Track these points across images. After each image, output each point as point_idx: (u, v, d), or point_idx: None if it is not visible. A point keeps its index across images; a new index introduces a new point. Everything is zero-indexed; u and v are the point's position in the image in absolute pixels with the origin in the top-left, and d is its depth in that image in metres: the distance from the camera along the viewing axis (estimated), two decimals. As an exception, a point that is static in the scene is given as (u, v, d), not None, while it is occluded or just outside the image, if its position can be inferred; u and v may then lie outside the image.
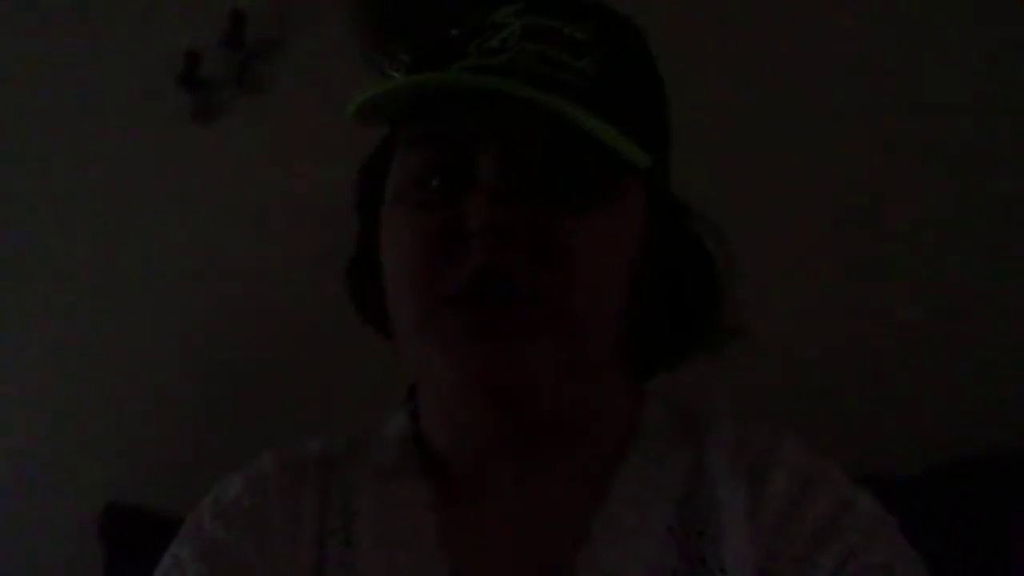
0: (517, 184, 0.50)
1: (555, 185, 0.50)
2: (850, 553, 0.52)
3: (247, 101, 1.71)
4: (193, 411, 1.70)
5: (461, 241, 0.49)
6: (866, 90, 1.44)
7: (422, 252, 0.51)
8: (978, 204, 1.39)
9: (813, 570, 0.52)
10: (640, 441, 0.59)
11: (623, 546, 0.55)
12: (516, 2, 0.54)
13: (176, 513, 0.65)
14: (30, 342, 1.78)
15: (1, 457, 1.76)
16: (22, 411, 1.76)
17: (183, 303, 1.71)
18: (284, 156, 1.65)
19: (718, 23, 1.48)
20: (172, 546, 0.61)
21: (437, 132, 0.52)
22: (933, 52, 1.43)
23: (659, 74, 0.59)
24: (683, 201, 0.60)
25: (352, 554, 0.57)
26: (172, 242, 1.73)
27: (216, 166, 1.71)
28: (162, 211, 1.74)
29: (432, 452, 0.60)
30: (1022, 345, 1.37)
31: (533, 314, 0.50)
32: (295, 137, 1.63)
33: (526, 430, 0.55)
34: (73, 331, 1.77)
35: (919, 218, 1.42)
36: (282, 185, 1.65)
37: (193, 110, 1.72)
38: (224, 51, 1.69)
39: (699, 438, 0.59)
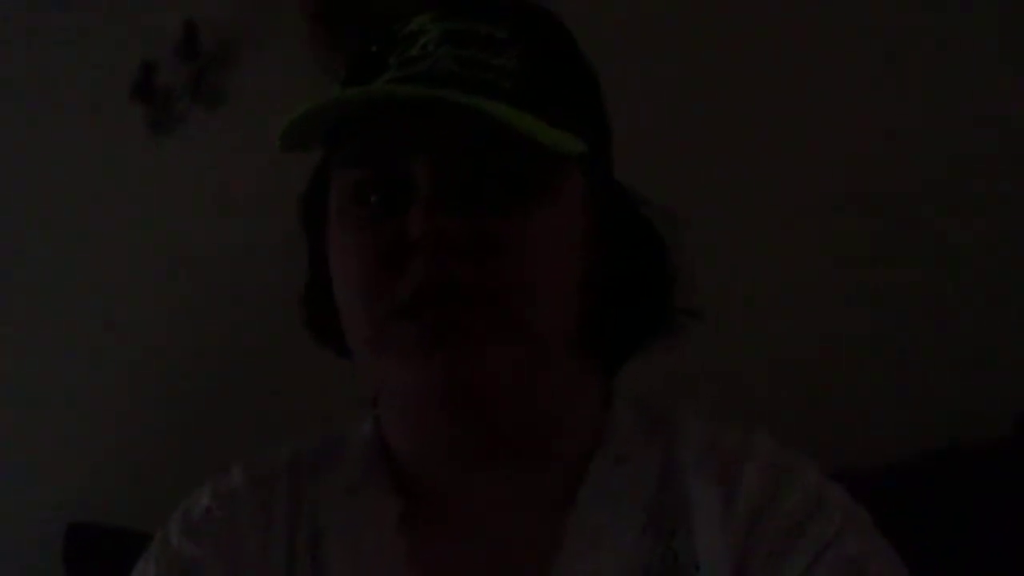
0: (453, 190, 0.50)
1: (490, 186, 0.51)
2: (823, 546, 0.53)
3: (203, 112, 1.70)
4: (159, 423, 1.68)
5: (405, 253, 0.50)
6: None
7: (368, 267, 0.51)
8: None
9: (787, 565, 0.53)
10: (608, 443, 0.59)
11: (597, 550, 0.55)
12: (432, 9, 0.54)
13: (142, 530, 0.64)
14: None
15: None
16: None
17: (141, 316, 1.69)
18: (240, 166, 1.63)
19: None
20: (139, 563, 0.60)
21: (368, 148, 0.52)
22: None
23: (587, 62, 0.59)
24: (627, 187, 0.60)
25: (322, 573, 0.57)
26: (128, 254, 1.71)
27: (174, 177, 1.70)
28: (119, 222, 1.72)
29: (398, 463, 0.60)
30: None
31: (483, 317, 0.50)
32: (251, 147, 1.62)
33: (489, 436, 0.55)
34: (32, 344, 1.74)
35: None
36: (239, 195, 1.64)
37: (150, 121, 1.70)
38: (179, 62, 1.68)
39: (667, 437, 0.60)
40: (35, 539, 1.59)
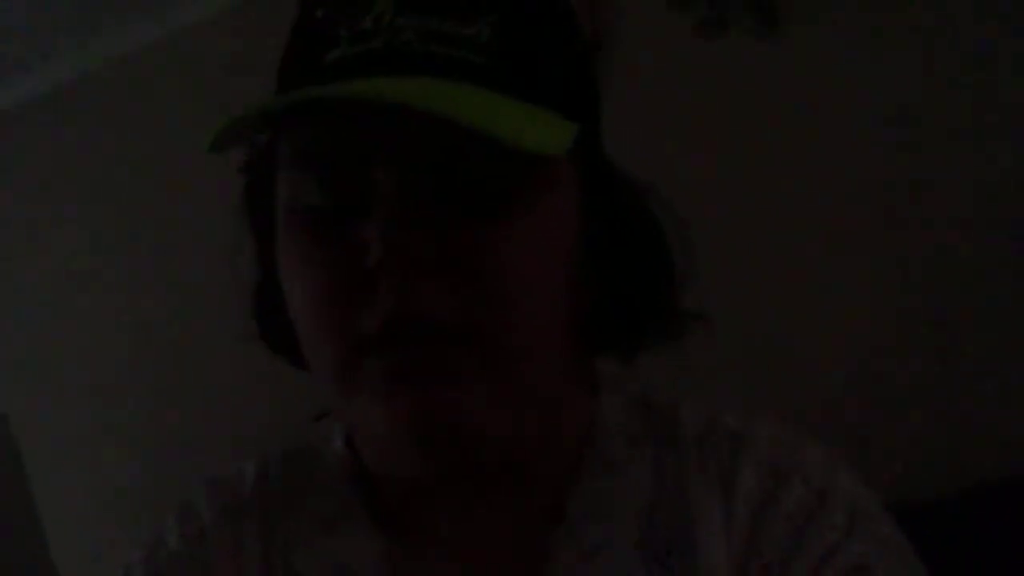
0: (420, 198, 0.42)
1: (465, 191, 0.43)
2: (826, 554, 0.48)
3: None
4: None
5: (367, 277, 0.42)
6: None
7: (326, 295, 0.44)
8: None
9: None
10: (598, 447, 0.53)
11: (588, 568, 0.50)
12: None
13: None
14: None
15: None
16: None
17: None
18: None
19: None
20: None
21: (320, 149, 0.44)
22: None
23: (575, 23, 0.50)
24: (622, 169, 0.51)
25: None
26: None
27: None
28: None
29: (373, 485, 0.54)
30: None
31: (460, 351, 0.43)
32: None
33: (469, 469, 0.48)
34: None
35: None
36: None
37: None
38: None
39: (661, 436, 0.54)
40: None
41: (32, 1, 1.80)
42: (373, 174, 0.42)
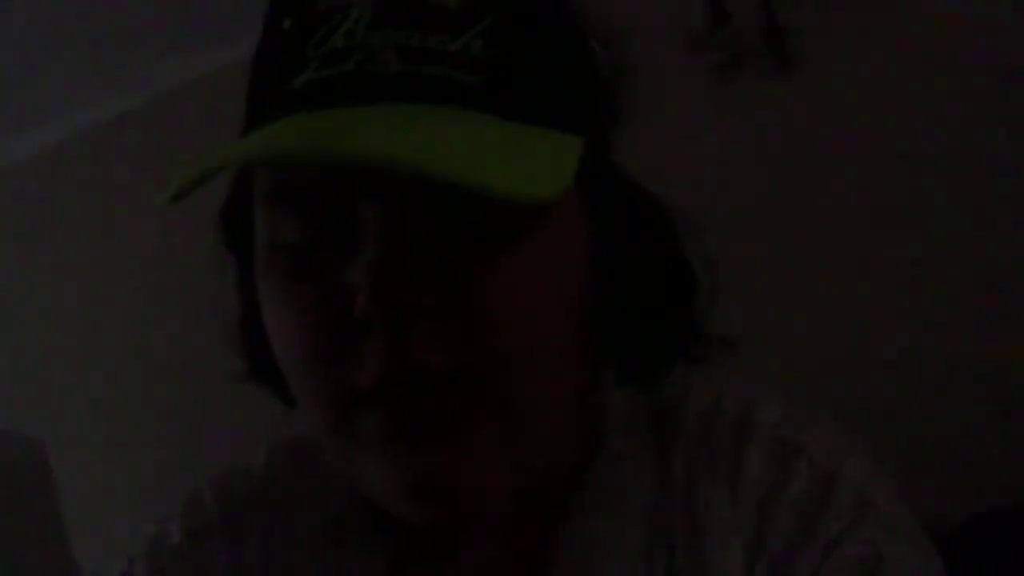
0: (408, 238, 0.38)
1: (457, 228, 0.39)
2: (831, 545, 0.45)
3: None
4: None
5: (356, 328, 0.38)
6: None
7: (312, 342, 0.40)
8: None
9: (793, 573, 0.45)
10: (603, 444, 0.50)
11: (591, 567, 0.48)
12: None
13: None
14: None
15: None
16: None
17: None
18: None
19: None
20: None
21: (297, 184, 0.40)
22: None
23: (576, 21, 0.45)
24: (632, 179, 0.47)
25: None
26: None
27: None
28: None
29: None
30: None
31: (460, 401, 0.39)
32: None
33: (471, 519, 0.46)
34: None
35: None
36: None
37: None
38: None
39: (665, 425, 0.51)
40: None
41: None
42: (357, 211, 0.38)
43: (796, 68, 1.60)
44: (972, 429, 1.47)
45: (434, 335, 0.38)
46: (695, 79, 1.64)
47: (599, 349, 0.47)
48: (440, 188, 0.36)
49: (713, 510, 0.47)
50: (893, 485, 0.48)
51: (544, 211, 0.40)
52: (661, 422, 0.51)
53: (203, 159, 0.37)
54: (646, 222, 0.47)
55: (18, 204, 2.34)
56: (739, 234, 1.53)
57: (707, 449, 0.49)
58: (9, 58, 1.88)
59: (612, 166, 0.47)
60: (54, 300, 2.31)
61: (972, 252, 1.52)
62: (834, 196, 1.59)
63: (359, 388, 0.39)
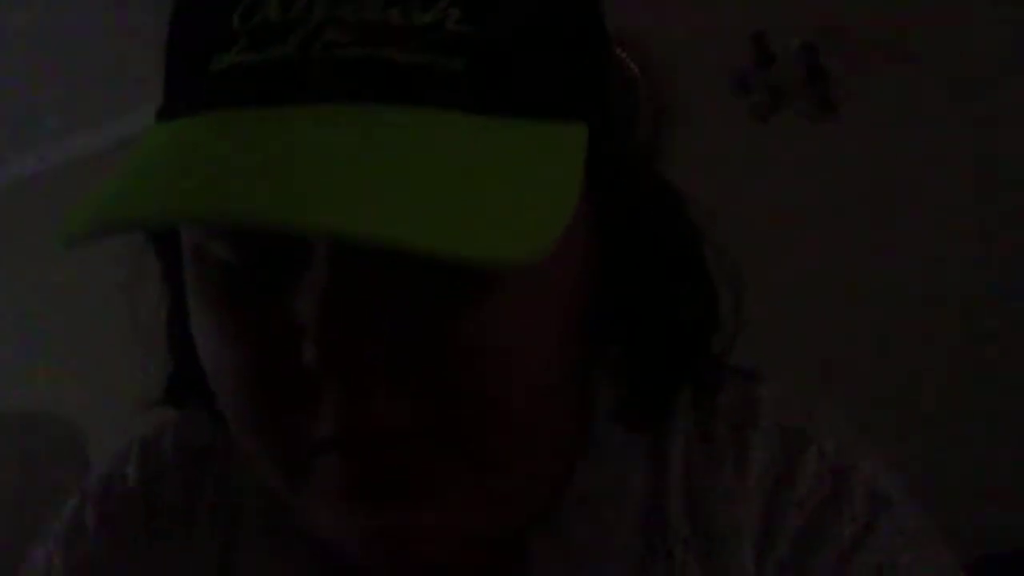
0: (364, 268, 0.30)
1: (422, 265, 0.29)
2: (847, 550, 0.41)
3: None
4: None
5: (305, 378, 0.31)
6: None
7: (255, 384, 0.33)
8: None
9: None
10: (590, 439, 0.44)
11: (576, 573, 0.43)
12: None
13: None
14: None
15: None
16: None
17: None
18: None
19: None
20: None
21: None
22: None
23: None
24: (655, 176, 0.40)
25: None
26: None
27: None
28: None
29: None
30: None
31: (428, 459, 0.33)
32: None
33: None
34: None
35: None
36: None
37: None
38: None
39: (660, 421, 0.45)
40: None
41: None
42: (305, 241, 0.31)
43: (837, 111, 1.62)
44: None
45: (397, 388, 0.32)
46: (737, 119, 1.66)
47: (596, 364, 0.42)
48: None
49: (719, 506, 0.42)
50: (903, 481, 0.44)
51: None
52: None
53: (89, 212, 0.28)
54: (661, 231, 0.39)
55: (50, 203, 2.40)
56: (776, 274, 1.55)
57: (706, 441, 0.44)
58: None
59: (625, 157, 0.38)
60: (98, 286, 2.35)
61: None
62: (872, 239, 1.60)
63: (313, 438, 0.33)
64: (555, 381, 0.36)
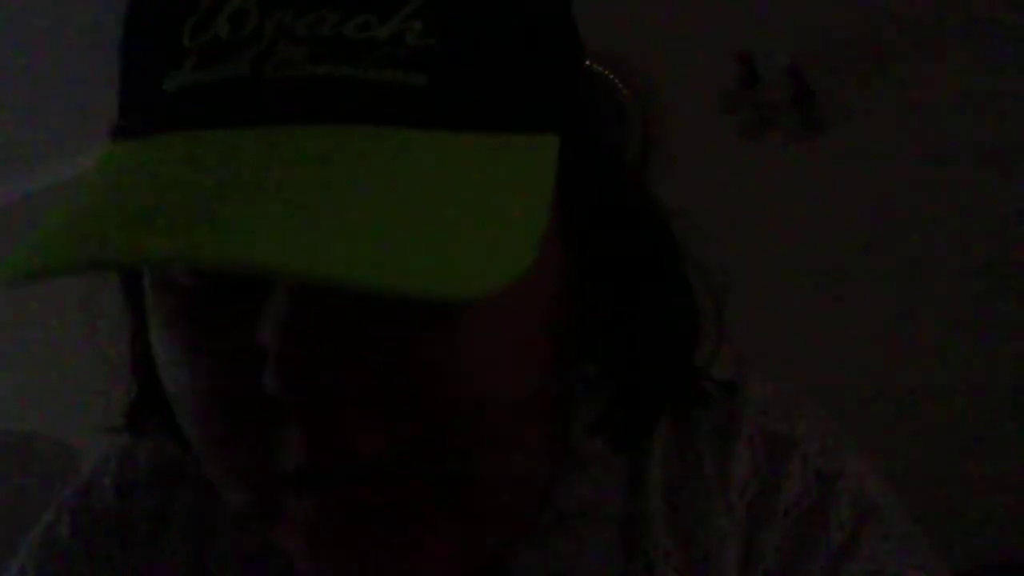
0: (330, 300, 0.29)
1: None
2: (835, 559, 0.40)
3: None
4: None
5: (268, 407, 0.30)
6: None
7: (218, 415, 0.32)
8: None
9: None
10: (569, 449, 0.42)
11: None
12: None
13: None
14: None
15: None
16: None
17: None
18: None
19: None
20: None
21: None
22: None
23: None
24: (635, 188, 0.39)
25: None
26: None
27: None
28: None
29: None
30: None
31: (403, 492, 0.32)
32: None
33: None
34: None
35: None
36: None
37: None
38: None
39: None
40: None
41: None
42: None
43: (823, 130, 1.64)
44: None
45: (365, 417, 0.30)
46: (724, 137, 1.68)
47: (576, 380, 0.40)
48: None
49: (702, 519, 0.41)
50: (889, 486, 0.43)
51: None
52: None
53: (23, 253, 0.27)
54: (641, 244, 0.38)
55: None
56: (762, 291, 1.56)
57: (687, 454, 0.43)
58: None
59: (601, 169, 0.37)
60: (92, 305, 2.35)
61: (1009, 314, 1.53)
62: (858, 257, 1.62)
63: (282, 471, 0.31)
64: (532, 399, 0.34)
